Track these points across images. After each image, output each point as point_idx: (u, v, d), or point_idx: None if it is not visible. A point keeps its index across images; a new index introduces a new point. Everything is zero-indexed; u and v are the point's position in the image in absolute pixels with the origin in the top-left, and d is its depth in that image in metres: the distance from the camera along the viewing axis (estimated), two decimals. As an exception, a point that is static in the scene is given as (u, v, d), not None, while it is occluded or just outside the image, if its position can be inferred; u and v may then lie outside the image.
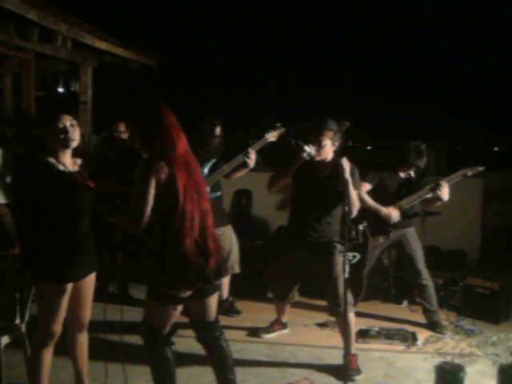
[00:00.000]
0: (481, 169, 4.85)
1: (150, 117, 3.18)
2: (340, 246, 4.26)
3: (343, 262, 3.88)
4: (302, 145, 4.19)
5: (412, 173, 5.19)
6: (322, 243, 4.28)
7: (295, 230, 4.45)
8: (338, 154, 4.35)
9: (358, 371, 4.13)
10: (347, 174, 4.03)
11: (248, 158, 4.93)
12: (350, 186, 4.06)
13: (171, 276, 3.10)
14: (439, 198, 4.86)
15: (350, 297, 4.14)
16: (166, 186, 3.05)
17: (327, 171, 4.28)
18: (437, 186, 4.80)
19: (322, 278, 4.34)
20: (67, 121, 3.27)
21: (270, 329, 4.92)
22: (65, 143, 3.27)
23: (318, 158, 4.30)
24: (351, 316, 4.18)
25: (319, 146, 4.25)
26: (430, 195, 4.92)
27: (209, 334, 3.36)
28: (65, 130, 3.25)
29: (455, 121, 13.17)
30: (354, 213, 4.14)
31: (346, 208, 3.91)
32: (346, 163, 4.03)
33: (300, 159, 4.21)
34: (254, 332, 4.91)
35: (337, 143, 4.34)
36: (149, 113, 3.21)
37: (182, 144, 3.18)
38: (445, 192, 4.81)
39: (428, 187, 4.89)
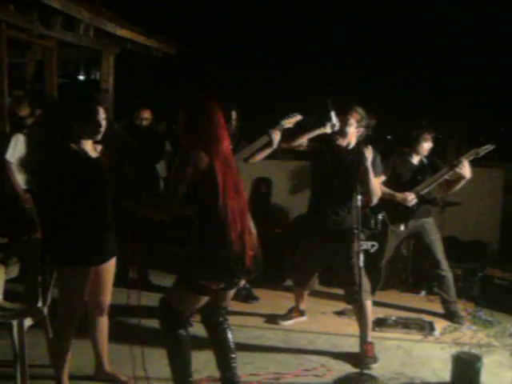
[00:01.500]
0: (491, 147, 4.73)
1: (199, 109, 3.20)
2: (357, 234, 4.26)
3: (360, 250, 3.93)
4: (331, 113, 4.24)
5: (424, 159, 5.15)
6: (341, 230, 4.32)
7: (315, 217, 4.49)
8: (362, 143, 4.36)
9: (375, 359, 4.15)
10: (368, 163, 4.05)
11: (274, 134, 4.93)
12: (371, 175, 4.08)
13: (213, 270, 3.12)
14: (462, 176, 4.77)
15: (367, 285, 4.16)
16: (204, 175, 3.08)
17: (348, 158, 4.31)
18: (457, 164, 4.71)
19: (340, 265, 4.37)
20: (102, 114, 3.34)
21: (287, 316, 4.95)
22: (94, 135, 3.34)
23: (340, 143, 4.35)
24: (368, 304, 4.20)
25: (344, 125, 4.28)
26: (448, 176, 4.85)
27: (215, 318, 3.43)
28: (99, 124, 3.33)
29: (476, 111, 13.03)
30: (375, 201, 4.18)
31: (360, 197, 3.94)
32: (369, 152, 4.04)
33: (322, 128, 4.29)
34: (272, 319, 4.95)
35: (361, 131, 4.37)
36: (200, 106, 3.23)
37: (225, 144, 3.20)
38: (466, 169, 4.72)
39: (447, 167, 4.83)
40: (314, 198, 4.57)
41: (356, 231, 4.27)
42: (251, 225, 3.32)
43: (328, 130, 4.29)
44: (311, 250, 4.53)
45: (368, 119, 4.43)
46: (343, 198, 4.34)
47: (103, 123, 3.34)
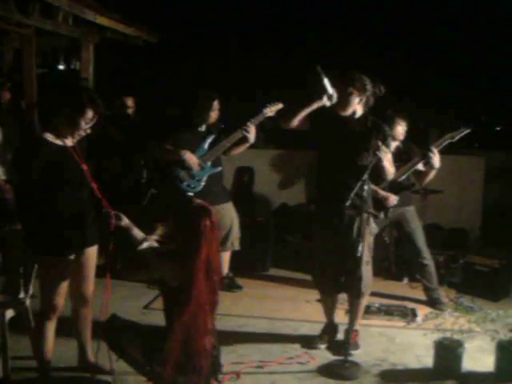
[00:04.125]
0: (467, 131, 4.61)
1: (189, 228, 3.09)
2: (371, 220, 3.97)
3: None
4: (325, 82, 3.80)
5: (400, 144, 5.10)
6: (354, 214, 3.87)
7: (326, 198, 4.03)
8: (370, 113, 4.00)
9: (356, 346, 4.17)
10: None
11: (248, 132, 4.95)
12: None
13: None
14: (432, 166, 4.62)
15: (370, 278, 4.14)
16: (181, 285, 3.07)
17: (357, 128, 3.92)
18: (427, 154, 4.56)
19: (348, 255, 3.88)
20: (93, 115, 3.31)
21: (323, 337, 4.35)
22: (78, 133, 3.32)
23: (343, 114, 3.92)
24: (367, 296, 4.24)
25: (343, 97, 3.84)
26: (421, 165, 4.73)
27: None
28: (86, 122, 3.30)
29: (457, 99, 13.11)
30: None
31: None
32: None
33: (319, 100, 3.85)
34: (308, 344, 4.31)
35: (365, 102, 3.93)
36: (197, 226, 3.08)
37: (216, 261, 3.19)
38: (436, 158, 4.56)
39: (419, 156, 4.74)
40: (321, 176, 4.10)
41: (370, 216, 3.94)
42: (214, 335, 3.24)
43: (326, 102, 3.84)
44: (328, 240, 4.03)
45: (374, 89, 3.92)
46: (354, 173, 3.80)
47: (87, 127, 3.32)
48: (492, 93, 12.83)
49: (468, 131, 4.66)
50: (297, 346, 4.26)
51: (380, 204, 4.94)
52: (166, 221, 3.29)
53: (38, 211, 3.27)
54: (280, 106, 5.02)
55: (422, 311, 4.95)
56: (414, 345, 4.31)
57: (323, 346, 4.25)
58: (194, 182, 5.00)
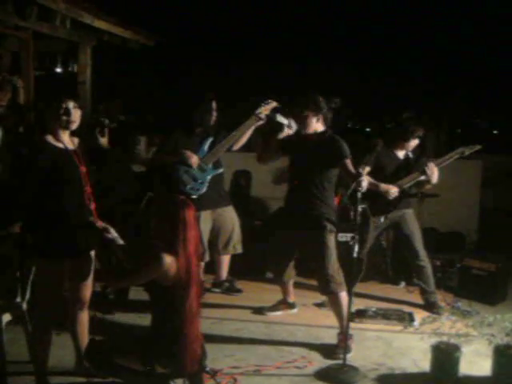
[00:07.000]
0: (478, 147, 4.79)
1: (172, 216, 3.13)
2: (330, 225, 4.25)
3: (344, 241, 3.96)
4: (278, 118, 4.36)
5: (410, 153, 5.18)
6: (312, 216, 4.26)
7: (287, 206, 4.49)
8: (331, 130, 4.36)
9: (348, 349, 4.11)
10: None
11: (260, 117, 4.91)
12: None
13: (167, 355, 3.10)
14: (429, 182, 4.86)
15: (340, 276, 4.21)
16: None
17: (315, 142, 4.27)
18: (425, 170, 4.80)
19: (311, 255, 4.37)
20: (70, 103, 3.30)
21: (275, 307, 4.94)
22: (66, 125, 3.31)
23: (304, 133, 4.32)
24: (343, 295, 4.22)
25: (301, 119, 4.26)
26: (422, 177, 4.91)
27: None
28: (67, 112, 3.29)
29: (454, 103, 13.15)
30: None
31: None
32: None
33: (280, 133, 4.37)
34: (259, 310, 4.93)
35: (322, 119, 4.29)
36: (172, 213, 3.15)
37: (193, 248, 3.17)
38: (433, 173, 4.79)
39: (419, 170, 4.90)
40: (288, 187, 4.54)
41: (328, 221, 4.24)
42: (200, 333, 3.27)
43: (288, 131, 4.36)
44: (284, 240, 4.48)
45: (330, 105, 4.34)
46: (313, 184, 4.27)
47: (72, 112, 3.32)
48: (490, 97, 12.90)
49: (479, 147, 4.82)
50: (294, 350, 4.26)
51: (380, 208, 4.97)
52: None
53: (35, 213, 3.28)
54: (274, 104, 4.94)
55: (419, 315, 4.94)
56: (411, 349, 4.31)
57: (272, 314, 4.86)
58: (198, 185, 4.97)
